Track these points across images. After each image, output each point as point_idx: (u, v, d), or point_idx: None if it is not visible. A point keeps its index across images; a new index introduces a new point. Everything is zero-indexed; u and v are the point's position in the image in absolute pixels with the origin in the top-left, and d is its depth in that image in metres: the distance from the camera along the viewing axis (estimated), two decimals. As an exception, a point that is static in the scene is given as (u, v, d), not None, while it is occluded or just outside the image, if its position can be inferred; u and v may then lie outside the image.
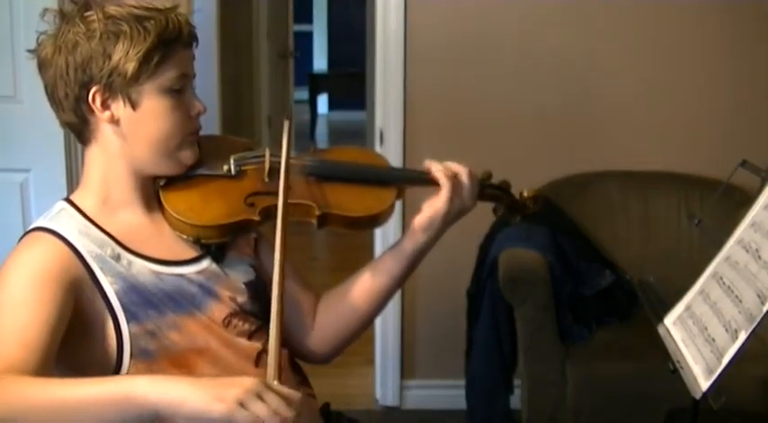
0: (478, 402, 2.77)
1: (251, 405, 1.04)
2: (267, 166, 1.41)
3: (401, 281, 1.49)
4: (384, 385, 3.18)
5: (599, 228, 2.89)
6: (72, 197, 1.38)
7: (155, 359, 1.28)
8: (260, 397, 1.05)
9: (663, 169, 2.99)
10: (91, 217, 1.34)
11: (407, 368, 3.16)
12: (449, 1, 2.97)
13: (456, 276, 2.82)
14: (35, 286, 1.21)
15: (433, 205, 1.43)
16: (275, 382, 1.11)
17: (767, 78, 2.99)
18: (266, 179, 1.40)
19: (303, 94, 8.92)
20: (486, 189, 1.52)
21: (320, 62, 10.57)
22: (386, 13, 2.95)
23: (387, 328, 3.10)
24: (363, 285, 1.49)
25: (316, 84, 9.39)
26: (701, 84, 3.01)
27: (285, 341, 1.48)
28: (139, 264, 1.32)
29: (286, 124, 1.41)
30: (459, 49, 2.99)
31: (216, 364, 1.32)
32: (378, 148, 3.02)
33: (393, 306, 3.03)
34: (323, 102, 10.02)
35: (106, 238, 1.32)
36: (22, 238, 1.33)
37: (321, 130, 9.56)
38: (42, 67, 1.32)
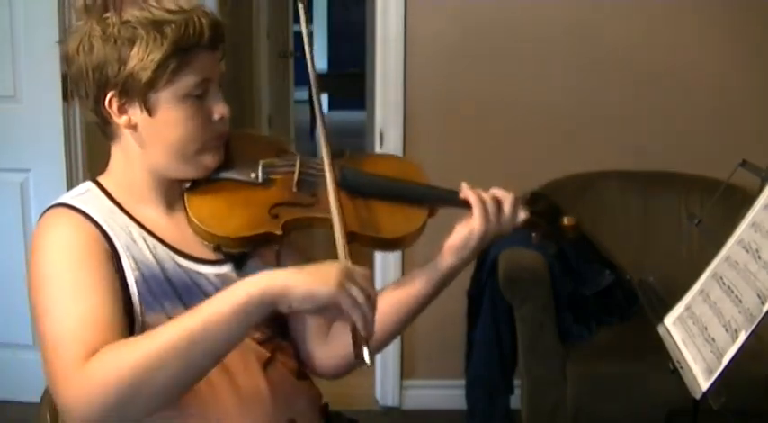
0: (478, 402, 2.77)
1: (350, 287, 1.14)
2: (296, 176, 1.37)
3: (428, 300, 1.44)
4: (384, 385, 3.18)
5: (599, 228, 2.88)
6: (99, 179, 1.36)
7: None
8: (351, 278, 1.15)
9: (663, 169, 2.99)
10: (117, 200, 1.33)
11: (407, 368, 3.17)
12: (448, 1, 2.97)
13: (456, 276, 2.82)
14: (81, 264, 1.21)
15: (467, 228, 1.39)
16: (350, 263, 1.19)
17: (767, 78, 2.99)
18: (294, 189, 1.37)
19: (303, 94, 8.91)
20: (530, 215, 1.44)
21: (320, 62, 10.58)
22: (386, 13, 2.95)
23: (387, 328, 3.09)
24: (388, 303, 1.43)
25: (316, 84, 9.36)
26: (701, 84, 3.01)
27: (296, 352, 1.47)
28: (162, 250, 1.31)
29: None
30: (458, 50, 2.99)
31: (223, 361, 1.30)
32: (377, 149, 3.02)
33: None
34: (323, 102, 10.03)
35: (131, 222, 1.31)
36: (44, 212, 1.30)
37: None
38: (67, 61, 1.30)
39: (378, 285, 3.02)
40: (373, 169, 1.45)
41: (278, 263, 1.45)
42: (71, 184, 2.95)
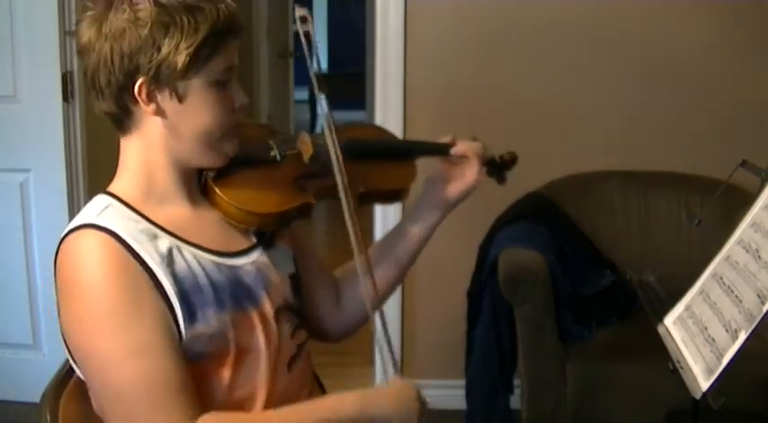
0: (478, 402, 2.77)
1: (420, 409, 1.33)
2: (310, 149, 1.43)
3: (424, 243, 1.56)
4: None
5: (599, 228, 2.89)
6: (112, 190, 1.30)
7: (203, 360, 1.25)
8: (422, 400, 1.33)
9: (663, 169, 2.99)
10: (138, 209, 1.28)
11: (407, 368, 3.16)
12: (448, 1, 2.97)
13: (456, 277, 2.82)
14: (130, 307, 1.19)
15: (465, 181, 1.55)
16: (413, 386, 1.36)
17: (767, 78, 2.99)
18: (306, 162, 1.42)
19: (303, 94, 8.92)
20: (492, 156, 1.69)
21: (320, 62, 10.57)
22: (385, 12, 2.95)
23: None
24: (392, 252, 1.56)
25: (316, 83, 9.37)
26: (701, 84, 3.01)
27: (308, 323, 1.50)
28: (202, 255, 1.29)
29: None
30: (458, 49, 2.99)
31: (258, 364, 1.30)
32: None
33: (393, 306, 3.02)
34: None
35: (160, 231, 1.27)
36: (65, 236, 1.23)
37: (321, 129, 9.56)
38: (83, 52, 1.26)
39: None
40: (364, 136, 1.59)
41: (293, 242, 1.49)
42: (71, 185, 2.95)
